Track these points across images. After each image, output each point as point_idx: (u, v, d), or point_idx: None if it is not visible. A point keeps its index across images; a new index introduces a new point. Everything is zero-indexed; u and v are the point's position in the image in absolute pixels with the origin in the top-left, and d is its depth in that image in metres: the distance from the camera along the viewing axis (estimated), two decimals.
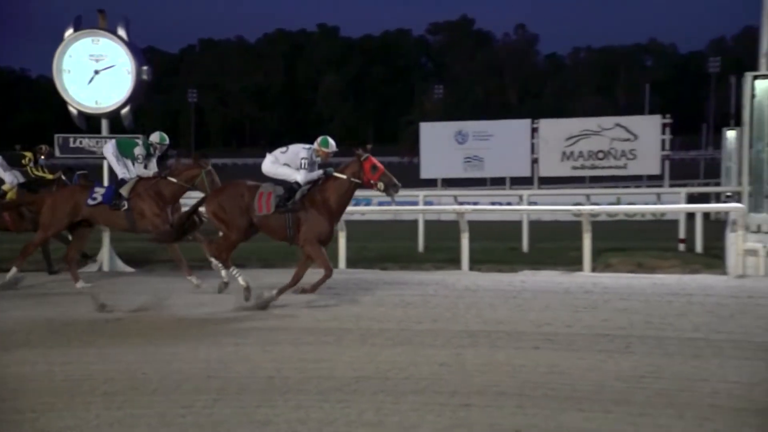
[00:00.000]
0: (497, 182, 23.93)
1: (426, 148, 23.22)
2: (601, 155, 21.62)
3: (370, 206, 16.12)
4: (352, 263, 11.58)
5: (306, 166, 8.88)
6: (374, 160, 8.83)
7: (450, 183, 23.87)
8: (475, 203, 17.32)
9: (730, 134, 21.21)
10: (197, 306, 8.48)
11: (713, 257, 11.33)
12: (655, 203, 17.34)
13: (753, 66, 11.20)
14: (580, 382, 5.45)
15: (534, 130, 21.83)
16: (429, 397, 5.20)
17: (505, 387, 5.35)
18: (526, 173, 21.76)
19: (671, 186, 21.05)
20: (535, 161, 21.03)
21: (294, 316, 8.08)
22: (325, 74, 79.23)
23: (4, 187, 10.92)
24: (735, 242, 10.41)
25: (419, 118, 40.13)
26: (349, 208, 9.57)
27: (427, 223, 14.11)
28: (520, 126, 22.29)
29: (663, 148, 21.47)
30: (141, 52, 12.39)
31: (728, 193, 16.30)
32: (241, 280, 8.70)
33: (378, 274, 11.10)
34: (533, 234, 13.62)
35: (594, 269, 10.96)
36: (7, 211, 10.60)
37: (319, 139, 9.16)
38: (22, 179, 11.09)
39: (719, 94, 51.80)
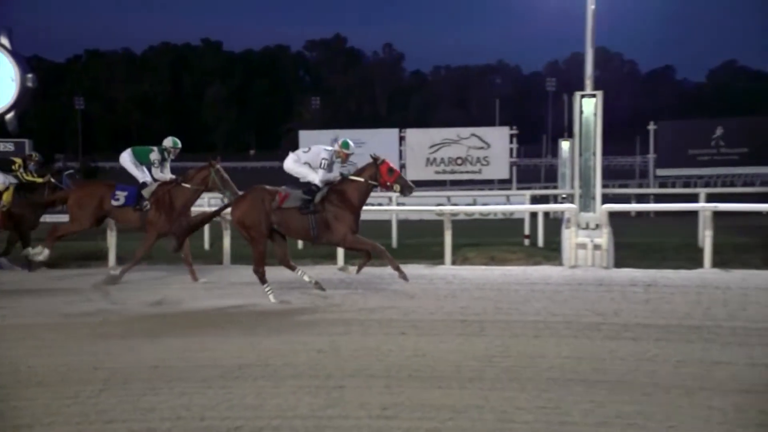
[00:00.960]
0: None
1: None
2: (459, 161, 22.12)
3: None
4: (235, 259, 11.38)
5: (325, 167, 8.68)
6: (390, 163, 8.70)
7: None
8: None
9: (565, 144, 22.25)
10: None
11: (552, 250, 11.72)
12: (504, 204, 17.87)
13: (581, 86, 11.78)
14: (441, 363, 5.55)
15: (401, 139, 22.15)
16: (306, 381, 5.17)
17: (374, 370, 5.39)
18: (10, 180, 22.00)
19: (518, 189, 21.73)
20: (402, 166, 21.25)
21: (182, 310, 7.87)
22: (209, 85, 77.80)
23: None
24: (569, 237, 10.85)
25: (298, 126, 39.82)
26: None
27: None
28: (389, 134, 22.55)
29: (511, 156, 22.17)
30: (25, 61, 11.84)
31: (564, 195, 17.06)
32: (306, 278, 8.59)
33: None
34: (401, 232, 13.82)
35: (454, 262, 11.18)
36: (51, 207, 10.51)
37: (340, 141, 9.04)
38: (13, 181, 10.80)
39: (556, 109, 54.07)
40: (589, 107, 11.33)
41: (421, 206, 16.42)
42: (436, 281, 9.46)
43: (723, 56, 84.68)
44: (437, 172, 22.24)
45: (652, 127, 23.22)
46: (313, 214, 8.41)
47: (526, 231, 13.63)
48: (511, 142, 22.16)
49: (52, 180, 11.08)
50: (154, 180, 9.96)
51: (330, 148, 8.90)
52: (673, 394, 4.74)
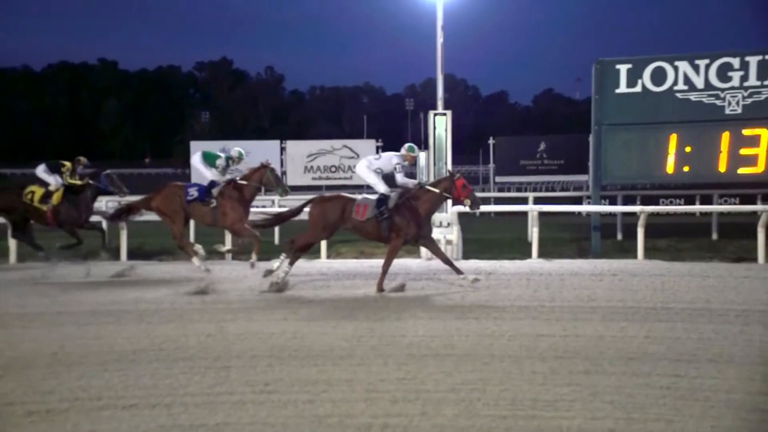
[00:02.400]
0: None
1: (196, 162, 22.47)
2: (333, 169, 22.18)
3: None
4: (132, 256, 11.02)
5: (401, 170, 8.34)
6: (464, 180, 8.27)
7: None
8: None
9: (422, 155, 22.66)
10: None
11: (412, 245, 11.93)
12: None
13: (434, 106, 12.14)
14: (316, 343, 5.52)
15: (282, 149, 21.93)
16: (196, 363, 5.01)
17: (258, 351, 5.30)
18: (59, 181, 21.78)
19: None
20: (283, 173, 21.04)
21: (78, 301, 7.43)
22: (105, 99, 74.55)
23: (51, 188, 10.37)
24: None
25: (189, 137, 38.41)
26: None
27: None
28: (272, 145, 22.27)
29: None
30: None
31: None
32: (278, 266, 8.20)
33: (155, 264, 10.55)
34: (284, 230, 13.63)
35: (329, 257, 11.22)
36: (136, 211, 9.93)
37: (407, 146, 8.60)
38: (64, 182, 10.28)
39: (414, 125, 55.45)
40: (441, 124, 11.69)
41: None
42: (313, 273, 9.43)
43: (544, 85, 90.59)
44: (314, 179, 22.20)
45: (491, 141, 24.26)
46: (386, 220, 8.06)
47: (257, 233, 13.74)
48: (377, 152, 22.43)
49: (91, 182, 10.55)
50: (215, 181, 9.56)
51: (399, 153, 8.49)
52: (506, 363, 4.93)
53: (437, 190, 8.25)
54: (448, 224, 11.11)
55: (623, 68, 11.49)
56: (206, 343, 5.57)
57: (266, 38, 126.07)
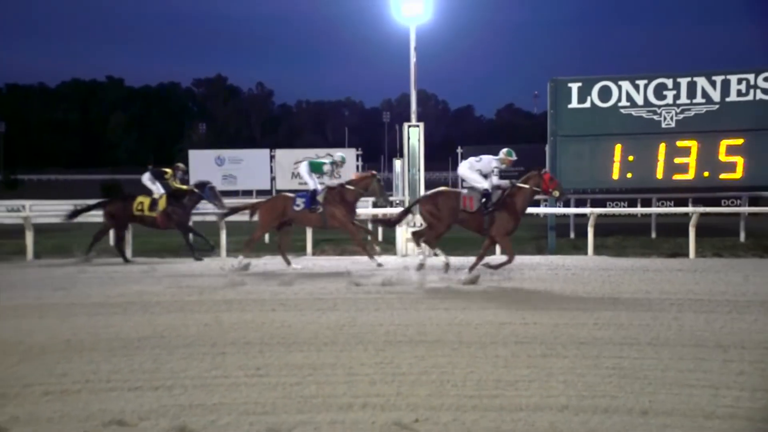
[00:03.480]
0: (247, 194, 23.61)
1: (194, 169, 22.20)
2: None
3: None
4: (137, 254, 10.85)
5: (497, 173, 8.46)
6: (550, 174, 8.44)
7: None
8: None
9: (397, 162, 22.65)
10: None
11: (389, 243, 11.89)
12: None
13: (408, 119, 12.17)
14: (302, 332, 5.50)
15: (272, 157, 21.63)
16: (195, 349, 4.98)
17: (250, 339, 5.28)
18: (267, 187, 21.62)
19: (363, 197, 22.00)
20: (273, 179, 20.86)
21: (87, 294, 7.33)
22: (112, 113, 74.21)
23: (155, 196, 10.41)
24: (401, 234, 11.19)
25: (188, 146, 38.05)
26: None
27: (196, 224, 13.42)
28: (262, 154, 21.96)
29: (357, 170, 22.31)
30: None
31: (398, 201, 17.46)
32: (444, 258, 8.48)
33: (156, 263, 10.42)
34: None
35: (314, 254, 11.19)
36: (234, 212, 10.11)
37: (505, 150, 8.65)
38: (167, 190, 10.27)
39: (390, 136, 55.48)
40: (414, 135, 11.73)
41: None
42: (299, 268, 9.39)
43: (506, 100, 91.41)
44: (301, 183, 21.91)
45: (459, 150, 24.34)
46: (489, 214, 8.17)
47: (369, 228, 13.81)
48: (357, 160, 22.31)
49: (196, 190, 10.54)
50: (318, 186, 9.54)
51: (497, 157, 8.54)
52: (473, 348, 4.95)
53: (527, 186, 8.30)
54: (421, 224, 11.10)
55: (574, 86, 11.63)
56: (204, 332, 5.53)
57: (257, 57, 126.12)
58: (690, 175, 11.21)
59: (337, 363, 4.62)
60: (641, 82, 11.41)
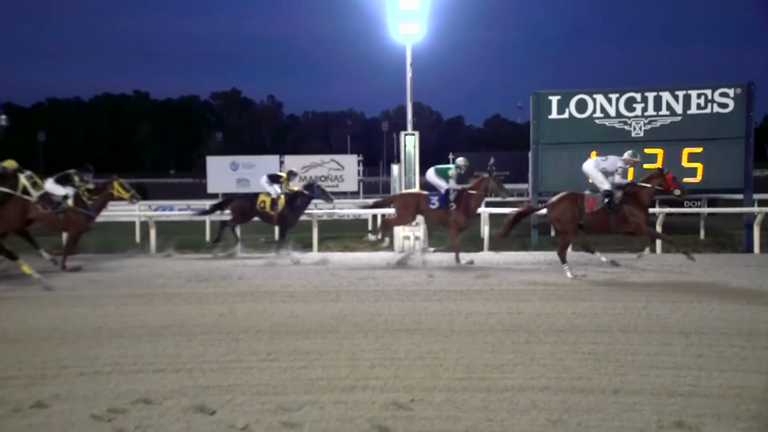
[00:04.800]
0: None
1: (211, 173, 22.22)
2: (323, 178, 21.90)
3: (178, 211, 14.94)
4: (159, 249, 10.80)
5: (621, 172, 8.18)
6: (672, 174, 8.17)
7: (226, 196, 22.76)
8: None
9: (395, 168, 22.62)
10: None
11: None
12: (352, 209, 17.97)
13: (404, 128, 12.17)
14: (309, 321, 5.50)
15: (281, 162, 21.68)
16: (212, 336, 4.98)
17: (262, 327, 5.28)
18: (277, 190, 21.76)
19: (363, 198, 21.98)
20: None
21: (114, 286, 7.34)
22: (139, 123, 74.55)
23: (273, 196, 10.51)
24: (399, 231, 11.18)
25: (206, 153, 37.98)
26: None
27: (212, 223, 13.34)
28: (272, 159, 21.99)
29: (358, 175, 22.42)
30: (1, 106, 10.55)
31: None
32: (602, 257, 8.47)
33: (178, 257, 10.44)
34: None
35: (320, 250, 11.18)
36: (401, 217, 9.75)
37: (630, 152, 8.41)
38: (282, 191, 10.57)
39: (389, 143, 55.37)
40: (410, 143, 11.73)
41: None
42: (305, 262, 9.40)
43: (493, 111, 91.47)
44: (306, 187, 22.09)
45: (451, 157, 24.10)
46: (614, 213, 7.99)
47: (370, 227, 13.83)
48: (358, 165, 22.39)
49: (306, 192, 10.61)
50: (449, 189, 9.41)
51: (623, 157, 8.27)
52: (463, 336, 4.95)
53: (650, 185, 8.08)
54: (416, 223, 11.13)
55: (554, 99, 11.65)
56: (220, 321, 5.54)
57: (269, 72, 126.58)
58: None
59: (341, 349, 4.62)
60: (613, 96, 11.45)
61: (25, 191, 8.19)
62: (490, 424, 3.26)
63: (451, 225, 9.30)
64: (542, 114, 11.68)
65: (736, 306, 5.98)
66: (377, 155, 56.39)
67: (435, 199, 9.40)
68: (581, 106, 11.54)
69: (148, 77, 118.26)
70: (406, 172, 11.78)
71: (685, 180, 11.20)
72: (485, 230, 11.26)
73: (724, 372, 4.01)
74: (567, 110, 11.57)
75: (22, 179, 8.18)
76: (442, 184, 9.49)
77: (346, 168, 22.20)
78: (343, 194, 27.17)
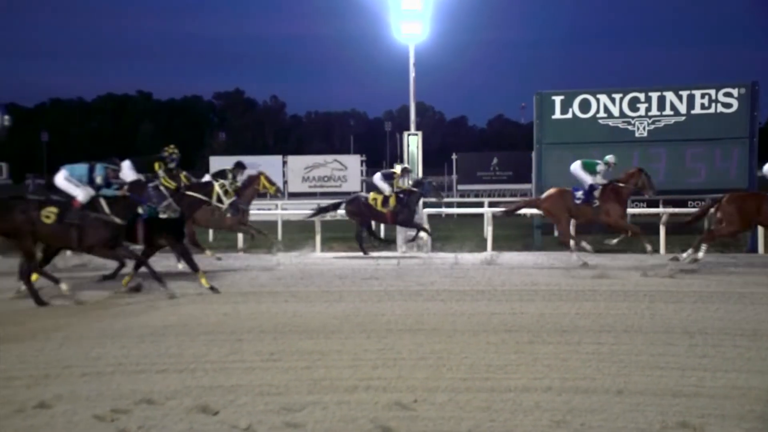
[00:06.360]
0: (262, 195, 23.66)
1: (215, 173, 22.35)
2: (326, 179, 22.03)
3: None
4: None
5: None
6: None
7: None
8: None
9: (398, 167, 22.67)
10: None
11: (391, 242, 11.77)
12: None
13: (408, 128, 12.16)
14: (311, 321, 5.50)
15: (284, 163, 21.77)
16: (215, 336, 4.98)
17: (265, 327, 5.28)
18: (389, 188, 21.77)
19: None
20: (285, 182, 20.93)
21: (121, 287, 7.34)
22: (142, 123, 75.04)
23: (386, 193, 10.42)
24: (400, 232, 11.17)
25: (209, 153, 38.06)
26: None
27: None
28: (276, 160, 22.06)
29: (361, 175, 22.44)
30: (4, 106, 10.59)
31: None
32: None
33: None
34: (285, 229, 13.59)
35: (323, 250, 11.18)
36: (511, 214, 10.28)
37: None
38: (394, 189, 10.46)
39: (392, 143, 55.30)
40: (413, 142, 11.75)
41: (298, 210, 16.10)
42: (308, 264, 9.37)
43: (496, 111, 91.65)
44: (310, 187, 22.03)
45: (454, 156, 24.37)
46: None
47: (373, 227, 13.76)
48: (361, 165, 22.42)
49: (415, 189, 10.46)
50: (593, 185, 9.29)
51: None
52: (466, 336, 4.95)
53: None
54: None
55: (557, 99, 11.62)
56: (223, 321, 5.55)
57: (272, 73, 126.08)
58: (660, 179, 11.18)
59: (343, 349, 4.62)
60: (617, 96, 11.41)
61: (219, 199, 7.99)
62: (493, 424, 3.25)
63: (610, 218, 9.11)
64: (545, 114, 11.65)
65: (740, 306, 5.97)
66: (380, 155, 56.23)
67: (580, 194, 9.21)
68: (584, 106, 11.51)
69: (151, 77, 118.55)
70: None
71: (689, 180, 11.21)
72: (488, 231, 11.22)
73: (728, 372, 4.00)
74: (570, 110, 11.54)
75: (216, 187, 7.93)
76: (587, 179, 9.25)
77: (349, 168, 22.20)
78: (346, 194, 27.25)
